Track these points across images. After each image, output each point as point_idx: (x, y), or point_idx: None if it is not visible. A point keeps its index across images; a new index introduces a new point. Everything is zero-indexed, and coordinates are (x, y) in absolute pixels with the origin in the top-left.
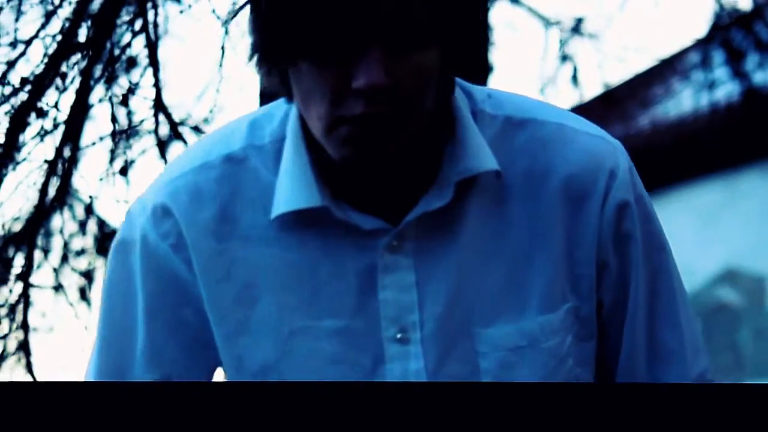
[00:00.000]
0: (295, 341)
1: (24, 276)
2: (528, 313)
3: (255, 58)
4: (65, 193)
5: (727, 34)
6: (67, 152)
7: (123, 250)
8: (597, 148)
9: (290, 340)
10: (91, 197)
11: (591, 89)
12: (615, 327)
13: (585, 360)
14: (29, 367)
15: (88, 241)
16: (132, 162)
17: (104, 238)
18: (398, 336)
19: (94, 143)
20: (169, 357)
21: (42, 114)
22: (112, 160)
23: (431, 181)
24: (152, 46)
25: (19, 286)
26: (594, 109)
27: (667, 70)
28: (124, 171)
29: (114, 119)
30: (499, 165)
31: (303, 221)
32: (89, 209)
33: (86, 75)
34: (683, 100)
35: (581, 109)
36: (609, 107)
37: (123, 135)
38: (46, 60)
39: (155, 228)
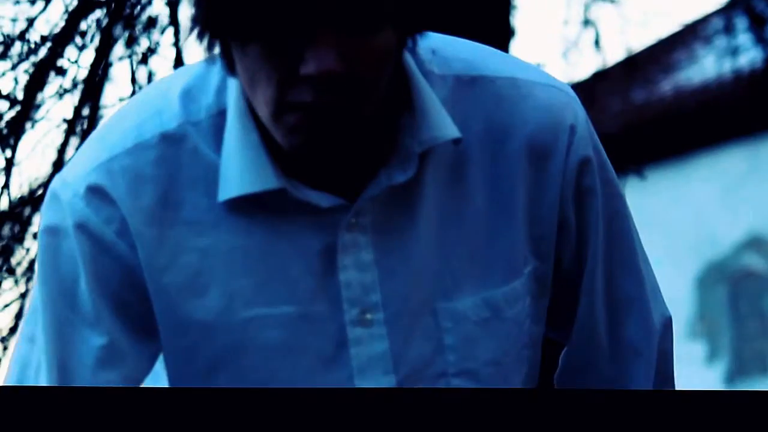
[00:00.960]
0: (248, 331)
1: None
2: (491, 282)
3: (195, 32)
4: None
5: (749, 0)
6: (86, 112)
7: (55, 236)
8: (554, 101)
9: (243, 330)
10: None
11: (613, 54)
12: (573, 280)
13: (540, 317)
14: None
15: None
16: None
17: None
18: (360, 318)
19: (113, 104)
20: (127, 349)
21: (61, 72)
22: None
23: (389, 152)
24: (173, 5)
25: (36, 246)
26: (616, 74)
27: (690, 35)
28: None
29: (134, 79)
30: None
31: (253, 202)
32: None
33: (106, 33)
34: (706, 66)
35: (603, 74)
36: (631, 72)
37: None
38: (65, 17)
39: (96, 213)
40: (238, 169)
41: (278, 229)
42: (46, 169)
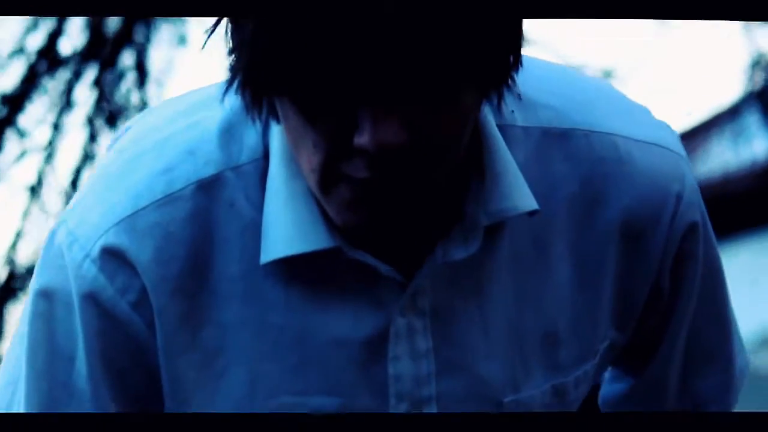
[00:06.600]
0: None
1: None
2: (564, 369)
3: (234, 83)
4: None
5: (764, 90)
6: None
7: (52, 302)
8: (658, 167)
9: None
10: None
11: None
12: (654, 332)
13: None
14: None
15: None
16: None
17: None
18: (410, 413)
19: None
20: None
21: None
22: None
23: (451, 223)
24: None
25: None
26: None
27: (703, 129)
28: None
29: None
30: (536, 192)
31: (295, 269)
32: None
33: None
34: (719, 156)
35: None
36: None
37: None
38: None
39: (110, 281)
40: (285, 225)
41: (316, 306)
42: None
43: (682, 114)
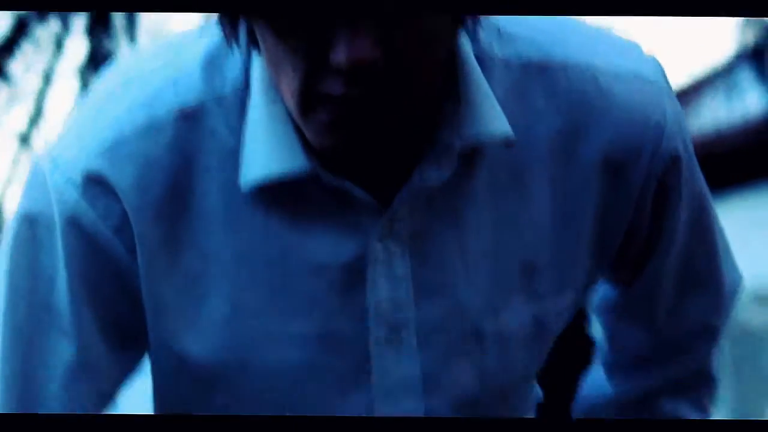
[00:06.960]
0: (255, 349)
1: None
2: (544, 298)
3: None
4: None
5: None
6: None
7: (34, 226)
8: (638, 101)
9: (249, 348)
10: None
11: None
12: (634, 265)
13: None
14: None
15: None
16: None
17: None
18: (388, 337)
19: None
20: (103, 360)
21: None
22: None
23: (428, 145)
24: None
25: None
26: None
27: (696, 87)
28: None
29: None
30: (516, 126)
31: (273, 195)
32: None
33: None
34: (712, 112)
35: None
36: None
37: None
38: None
39: (91, 205)
40: (263, 148)
41: (297, 232)
42: None
43: (674, 71)
